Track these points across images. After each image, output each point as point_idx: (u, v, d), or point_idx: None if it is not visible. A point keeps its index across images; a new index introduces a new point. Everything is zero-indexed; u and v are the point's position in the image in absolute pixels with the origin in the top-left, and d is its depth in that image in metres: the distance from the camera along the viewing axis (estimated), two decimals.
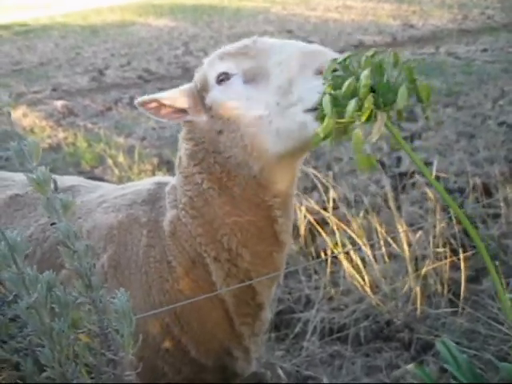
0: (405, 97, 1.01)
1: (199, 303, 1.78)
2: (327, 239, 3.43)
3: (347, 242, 3.42)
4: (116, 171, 5.50)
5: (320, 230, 3.54)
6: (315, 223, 3.62)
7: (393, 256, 3.53)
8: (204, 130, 1.74)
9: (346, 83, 1.05)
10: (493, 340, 2.95)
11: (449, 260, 3.33)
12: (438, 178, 4.51)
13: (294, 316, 3.35)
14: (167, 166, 5.73)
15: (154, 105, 1.76)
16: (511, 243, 3.66)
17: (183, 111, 1.77)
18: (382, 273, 3.32)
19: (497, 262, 3.23)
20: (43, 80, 11.32)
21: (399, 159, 5.24)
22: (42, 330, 0.79)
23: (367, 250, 3.33)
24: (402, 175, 4.78)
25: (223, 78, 1.68)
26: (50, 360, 0.80)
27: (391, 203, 3.58)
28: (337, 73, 1.12)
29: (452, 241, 3.59)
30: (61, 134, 7.48)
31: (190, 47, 13.21)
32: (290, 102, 1.54)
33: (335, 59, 1.15)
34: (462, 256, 3.18)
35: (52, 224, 0.91)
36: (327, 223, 3.71)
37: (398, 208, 4.10)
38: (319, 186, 4.02)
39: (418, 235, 3.50)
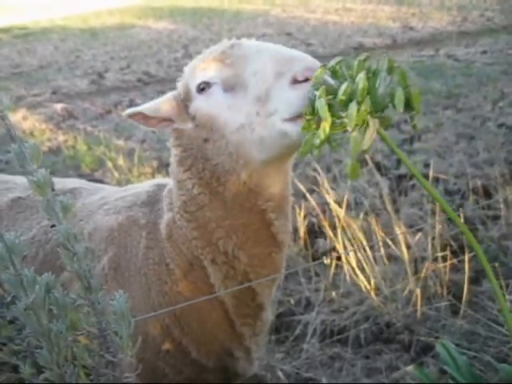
0: (402, 101, 0.99)
1: (199, 305, 1.78)
2: (333, 239, 3.43)
3: (347, 244, 3.42)
4: (116, 174, 5.51)
5: (321, 232, 3.54)
6: (317, 225, 3.62)
7: (393, 258, 3.53)
8: (191, 136, 1.73)
9: (343, 87, 1.03)
10: (492, 341, 2.95)
11: (449, 262, 3.33)
12: (437, 179, 4.52)
13: (294, 318, 3.35)
14: (167, 168, 5.69)
15: (140, 116, 1.77)
16: (511, 245, 3.66)
17: (170, 120, 1.78)
18: (381, 275, 3.33)
19: (496, 264, 3.25)
20: (43, 83, 11.33)
21: (399, 161, 5.24)
22: (40, 332, 0.80)
23: (368, 252, 3.33)
24: (402, 177, 4.79)
25: (204, 86, 1.67)
26: (49, 362, 0.80)
27: (388, 205, 3.59)
28: (326, 79, 1.11)
29: (452, 242, 3.59)
30: (61, 137, 7.49)
31: (189, 50, 13.22)
32: (268, 111, 1.53)
33: (324, 65, 1.13)
34: (466, 257, 3.18)
35: (52, 226, 0.92)
36: (328, 225, 3.72)
37: (398, 210, 4.11)
38: (319, 187, 4.02)
39: (417, 237, 3.50)
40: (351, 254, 3.34)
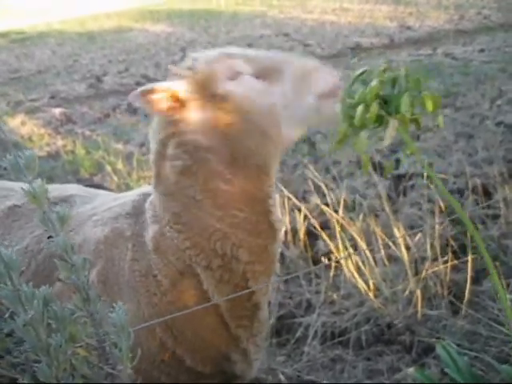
0: (407, 104, 1.11)
1: (190, 313, 1.74)
2: (331, 242, 3.43)
3: (348, 245, 3.42)
4: (115, 178, 5.50)
5: (321, 233, 3.54)
6: (317, 227, 3.62)
7: (393, 259, 3.53)
8: (206, 126, 1.70)
9: (358, 92, 1.18)
10: (494, 341, 2.95)
11: (450, 263, 3.32)
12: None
13: (294, 321, 3.34)
14: None
15: (150, 97, 1.72)
16: (511, 243, 3.66)
17: (183, 103, 1.73)
18: (382, 276, 3.32)
19: (497, 263, 3.25)
20: (41, 88, 11.33)
21: (398, 161, 5.24)
22: (39, 347, 0.79)
23: (368, 253, 3.33)
24: (401, 177, 4.78)
25: (235, 75, 1.71)
26: (48, 376, 0.80)
27: (386, 206, 3.59)
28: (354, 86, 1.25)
29: (452, 243, 3.59)
30: (59, 142, 7.49)
31: (187, 52, 13.22)
32: (303, 90, 1.66)
33: (355, 74, 1.28)
34: (470, 257, 3.18)
35: (49, 237, 0.92)
36: (327, 227, 3.72)
37: (397, 211, 4.10)
38: (320, 188, 4.02)
39: (417, 237, 3.50)
40: (352, 255, 3.34)
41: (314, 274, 3.65)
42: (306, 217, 3.84)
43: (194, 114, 1.72)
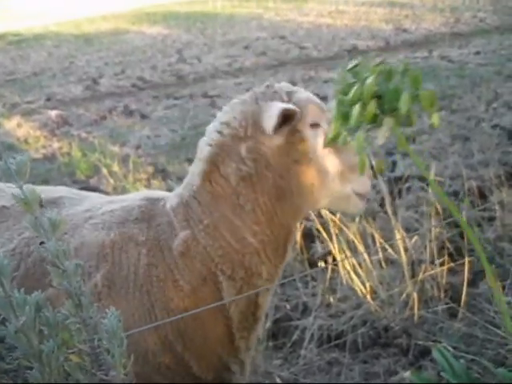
0: (406, 103, 1.07)
1: (203, 320, 1.82)
2: (328, 244, 3.42)
3: (345, 248, 3.41)
4: (111, 181, 5.49)
5: (319, 235, 3.53)
6: (314, 229, 3.61)
7: (389, 261, 3.52)
8: (275, 151, 1.82)
9: (353, 89, 1.13)
10: (490, 344, 2.95)
11: (447, 266, 3.32)
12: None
13: (291, 324, 3.33)
14: (162, 174, 5.72)
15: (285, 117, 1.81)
16: (507, 246, 3.66)
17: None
18: (379, 278, 3.32)
19: (493, 266, 3.25)
20: (37, 90, 11.30)
21: (394, 163, 5.24)
22: (31, 353, 0.78)
23: (365, 256, 3.32)
24: (397, 180, 4.78)
25: (316, 125, 1.85)
26: (40, 382, 0.79)
27: (388, 208, 3.58)
28: (347, 80, 1.18)
29: (448, 245, 3.59)
30: (55, 144, 7.47)
31: (183, 55, 13.21)
32: (349, 178, 1.87)
33: (345, 66, 1.21)
34: (466, 260, 3.18)
35: (41, 243, 0.91)
36: (324, 229, 3.71)
37: (394, 213, 4.10)
38: None
39: (414, 240, 3.50)
40: (349, 258, 3.34)
41: (311, 276, 3.65)
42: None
43: (277, 134, 1.81)
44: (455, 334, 3.06)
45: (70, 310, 0.89)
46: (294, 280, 3.60)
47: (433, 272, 3.31)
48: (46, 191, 2.14)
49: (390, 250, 3.42)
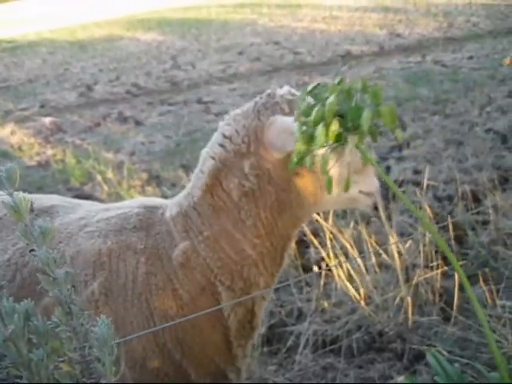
0: (368, 120, 1.06)
1: (201, 328, 1.83)
2: (322, 249, 3.43)
3: (338, 253, 3.42)
4: (105, 187, 5.49)
5: (314, 241, 3.53)
6: (309, 234, 3.61)
7: (384, 266, 3.53)
8: (276, 165, 1.79)
9: (315, 110, 1.11)
10: (485, 347, 2.95)
11: (440, 270, 3.33)
12: (427, 186, 4.53)
13: (286, 329, 3.33)
14: (156, 180, 5.72)
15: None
16: (501, 250, 3.67)
17: None
18: (373, 283, 3.32)
19: (487, 269, 3.26)
20: (31, 97, 11.28)
21: (388, 168, 5.26)
22: (19, 362, 0.78)
23: (359, 261, 3.33)
24: None
25: None
26: None
27: (382, 213, 3.58)
28: (307, 101, 1.16)
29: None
30: (49, 151, 7.46)
31: (178, 61, 13.22)
32: (352, 179, 1.80)
33: (305, 89, 1.20)
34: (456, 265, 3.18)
35: (31, 251, 0.91)
36: (318, 234, 3.71)
37: (388, 218, 4.11)
38: None
39: (407, 244, 3.50)
40: (343, 263, 3.34)
41: (305, 282, 3.65)
42: None
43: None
44: (450, 338, 3.06)
45: (60, 317, 0.90)
46: (289, 285, 3.60)
47: (427, 276, 3.31)
48: (38, 200, 2.14)
49: (384, 255, 3.43)
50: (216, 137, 1.89)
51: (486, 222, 3.99)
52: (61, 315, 0.89)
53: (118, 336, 0.95)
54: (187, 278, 1.82)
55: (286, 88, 1.89)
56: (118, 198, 5.04)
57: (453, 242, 3.65)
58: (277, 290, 3.59)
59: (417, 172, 5.08)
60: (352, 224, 3.70)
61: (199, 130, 7.45)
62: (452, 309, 3.18)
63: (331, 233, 3.42)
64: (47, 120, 8.95)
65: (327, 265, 3.41)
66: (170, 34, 18.17)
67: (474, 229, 3.94)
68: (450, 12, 15.69)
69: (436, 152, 5.56)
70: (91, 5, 31.48)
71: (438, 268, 3.34)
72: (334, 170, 1.83)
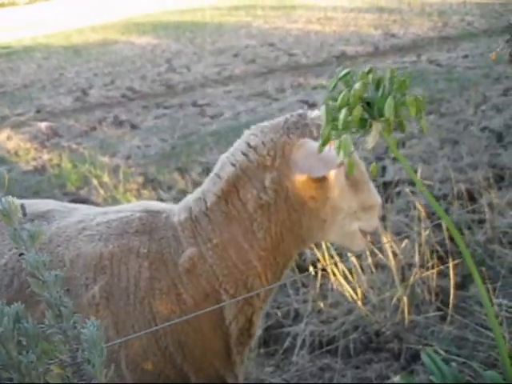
0: (391, 108, 1.08)
1: (203, 333, 1.84)
2: (317, 250, 3.43)
3: (334, 253, 3.42)
4: (101, 192, 5.48)
5: None
6: None
7: (380, 266, 3.53)
8: (295, 186, 1.80)
9: (341, 95, 1.15)
10: (481, 346, 2.96)
11: (436, 269, 3.34)
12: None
13: (283, 330, 3.34)
14: (152, 184, 5.72)
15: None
16: (497, 248, 3.68)
17: None
18: (369, 283, 3.33)
19: (483, 268, 3.26)
20: (27, 102, 11.28)
21: (384, 168, 5.26)
22: (9, 364, 0.79)
23: (355, 261, 3.33)
24: (387, 184, 4.80)
25: (340, 165, 1.81)
26: None
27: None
28: (338, 88, 1.21)
29: (438, 248, 3.61)
30: (45, 156, 7.45)
31: (173, 64, 13.22)
32: (357, 216, 1.86)
33: (337, 75, 1.23)
34: (451, 264, 3.19)
35: (20, 255, 0.91)
36: None
37: (384, 217, 4.11)
38: None
39: (403, 244, 3.51)
40: (339, 263, 3.34)
41: (302, 283, 3.65)
42: None
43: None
44: (446, 337, 3.07)
45: (50, 320, 0.90)
46: (286, 287, 3.60)
47: (423, 275, 3.32)
48: (35, 205, 2.14)
49: (380, 255, 3.44)
50: (239, 144, 1.88)
51: (481, 221, 4.00)
52: (51, 318, 0.89)
53: (117, 338, 0.95)
54: (192, 283, 1.82)
55: (316, 112, 1.88)
56: (115, 201, 5.04)
57: (448, 242, 3.65)
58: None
59: (413, 171, 5.07)
60: None
61: (195, 132, 7.46)
62: (449, 308, 3.19)
63: None
64: (43, 125, 8.95)
65: (323, 265, 3.41)
66: (164, 37, 18.18)
67: (469, 227, 3.95)
68: (445, 11, 15.73)
69: (432, 151, 5.56)
70: (86, 10, 31.50)
71: (433, 267, 3.35)
72: (349, 203, 1.85)
